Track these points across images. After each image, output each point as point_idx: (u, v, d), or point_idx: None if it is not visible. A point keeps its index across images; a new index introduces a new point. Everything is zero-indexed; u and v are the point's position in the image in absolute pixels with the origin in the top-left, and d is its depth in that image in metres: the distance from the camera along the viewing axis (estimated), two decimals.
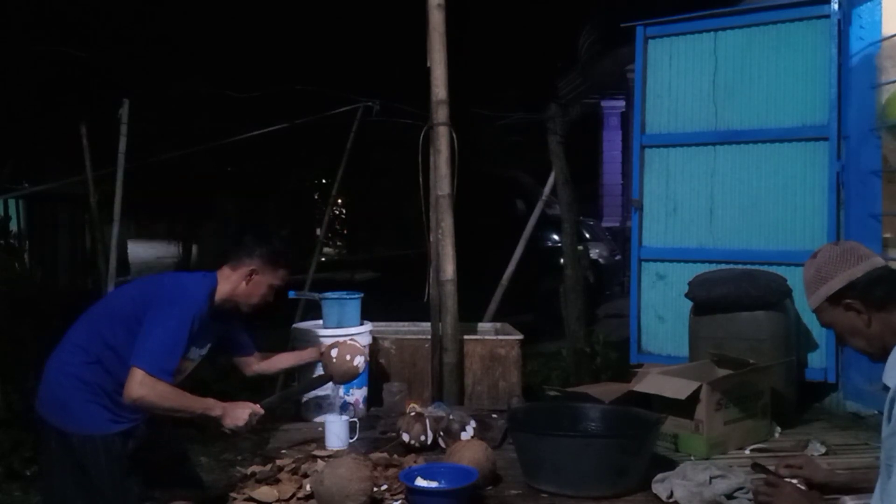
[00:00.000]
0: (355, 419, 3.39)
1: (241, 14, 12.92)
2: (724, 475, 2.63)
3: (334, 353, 3.37)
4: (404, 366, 4.19)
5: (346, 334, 3.76)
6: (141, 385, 2.57)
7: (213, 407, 2.77)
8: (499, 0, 14.73)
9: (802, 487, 2.43)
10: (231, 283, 2.90)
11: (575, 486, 2.63)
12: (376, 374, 4.03)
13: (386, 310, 4.63)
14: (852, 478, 2.47)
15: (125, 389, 2.60)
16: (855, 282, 2.03)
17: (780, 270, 4.33)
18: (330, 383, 3.49)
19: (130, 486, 2.76)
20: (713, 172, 4.81)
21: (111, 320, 2.79)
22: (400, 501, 2.58)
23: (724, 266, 4.43)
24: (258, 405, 2.87)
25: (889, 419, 1.86)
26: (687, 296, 4.24)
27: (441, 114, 4.18)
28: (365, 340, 3.83)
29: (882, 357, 1.99)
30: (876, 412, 3.90)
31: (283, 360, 3.46)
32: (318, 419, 3.61)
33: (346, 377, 3.43)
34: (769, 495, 2.33)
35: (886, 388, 1.90)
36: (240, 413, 2.79)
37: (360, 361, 3.40)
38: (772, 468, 2.74)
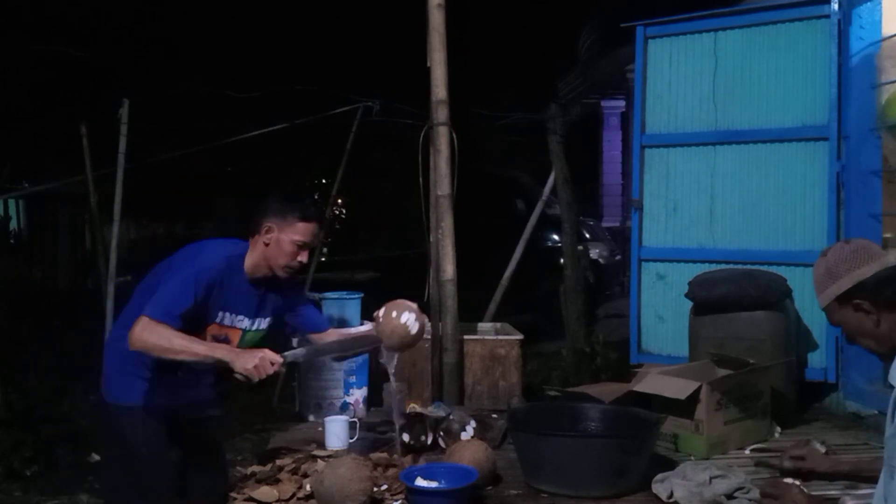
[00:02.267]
0: (355, 419, 3.39)
1: (241, 14, 12.93)
2: (724, 475, 2.63)
3: (381, 312, 3.00)
4: (404, 366, 4.18)
5: None
6: (142, 328, 2.54)
7: (219, 352, 2.62)
8: (499, 0, 14.74)
9: (806, 490, 2.43)
10: (257, 248, 2.80)
11: (575, 486, 2.63)
12: (376, 374, 4.03)
13: None
14: (857, 467, 2.46)
15: (128, 336, 2.57)
16: (864, 282, 2.02)
17: (780, 270, 4.33)
18: (382, 350, 3.03)
19: (169, 458, 2.79)
20: (713, 172, 4.80)
21: (145, 295, 2.73)
22: (400, 501, 2.58)
23: (724, 266, 4.43)
24: (276, 354, 2.67)
25: (893, 419, 1.86)
26: (687, 296, 4.23)
27: (441, 114, 4.18)
28: None
29: (892, 357, 1.98)
30: (876, 412, 3.90)
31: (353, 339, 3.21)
32: (318, 419, 3.62)
33: (395, 338, 2.96)
34: (775, 497, 2.33)
35: (892, 388, 1.90)
36: (250, 358, 2.59)
37: (407, 318, 2.93)
38: (776, 463, 2.74)
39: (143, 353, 2.62)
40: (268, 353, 2.62)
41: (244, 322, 2.84)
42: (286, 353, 2.75)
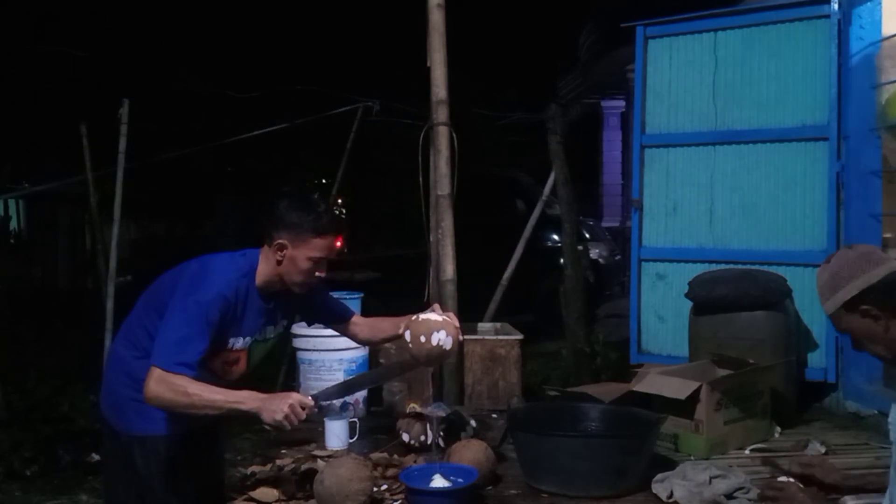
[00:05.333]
0: (355, 419, 3.38)
1: (242, 14, 12.94)
2: (724, 475, 2.63)
3: (407, 336, 2.73)
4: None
5: None
6: (157, 382, 2.32)
7: (245, 400, 2.38)
8: (499, 0, 14.75)
9: (803, 488, 2.43)
10: (270, 262, 2.54)
11: (575, 486, 2.63)
12: None
13: (386, 310, 4.62)
14: (865, 480, 2.46)
15: (143, 390, 2.35)
16: (871, 287, 1.97)
17: (780, 270, 4.33)
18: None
19: (184, 490, 2.59)
20: (713, 172, 4.80)
21: (149, 309, 2.55)
22: (400, 501, 2.58)
23: (724, 266, 4.43)
24: (305, 396, 2.50)
25: None
26: (687, 296, 4.24)
27: (441, 114, 4.18)
28: None
29: None
30: (876, 412, 3.90)
31: (384, 329, 2.98)
32: (318, 419, 3.61)
33: (433, 360, 2.77)
34: (775, 499, 2.33)
35: None
36: (277, 405, 2.35)
37: (438, 338, 2.68)
38: (785, 467, 2.74)
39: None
40: (296, 397, 2.41)
41: (249, 340, 2.64)
42: (317, 394, 2.62)
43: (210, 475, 2.81)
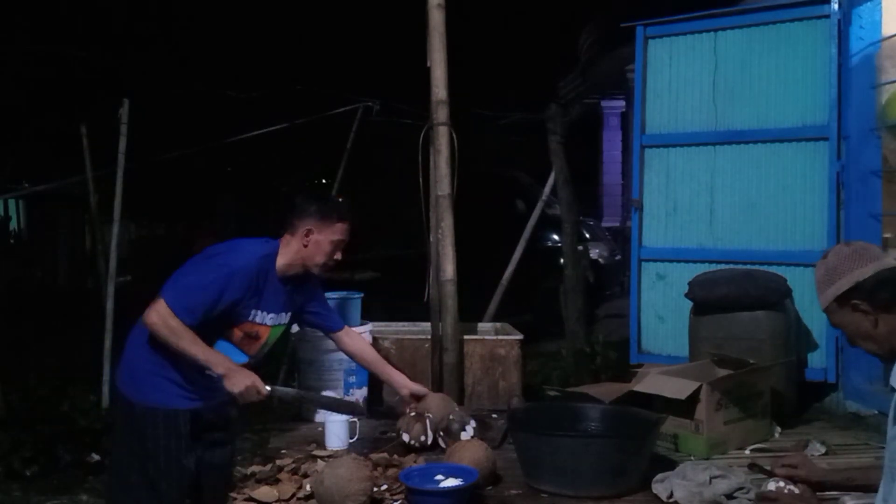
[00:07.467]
0: (355, 419, 3.39)
1: (242, 14, 12.95)
2: (724, 475, 2.63)
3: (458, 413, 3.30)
4: (404, 366, 4.17)
5: None
6: (158, 314, 2.56)
7: (216, 364, 2.62)
8: (499, 0, 14.75)
9: (797, 491, 2.42)
10: (292, 248, 2.85)
11: (575, 486, 2.63)
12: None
13: (386, 310, 4.63)
14: (849, 476, 2.47)
15: (145, 314, 2.57)
16: (862, 283, 2.01)
17: (780, 270, 4.33)
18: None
19: (187, 465, 2.69)
20: (713, 172, 4.81)
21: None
22: (400, 501, 2.58)
23: (724, 266, 4.43)
24: (266, 385, 2.68)
25: (894, 422, 1.85)
26: (687, 296, 4.24)
27: (441, 114, 4.18)
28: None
29: (893, 359, 1.98)
30: (876, 412, 3.90)
31: (374, 365, 3.32)
32: (318, 419, 3.61)
33: (445, 405, 3.31)
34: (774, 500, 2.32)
35: (893, 391, 1.89)
36: (241, 379, 2.61)
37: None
38: (768, 468, 2.73)
39: (177, 357, 2.61)
40: (257, 382, 2.63)
41: (273, 318, 2.84)
42: (276, 388, 2.78)
43: (217, 457, 2.85)
